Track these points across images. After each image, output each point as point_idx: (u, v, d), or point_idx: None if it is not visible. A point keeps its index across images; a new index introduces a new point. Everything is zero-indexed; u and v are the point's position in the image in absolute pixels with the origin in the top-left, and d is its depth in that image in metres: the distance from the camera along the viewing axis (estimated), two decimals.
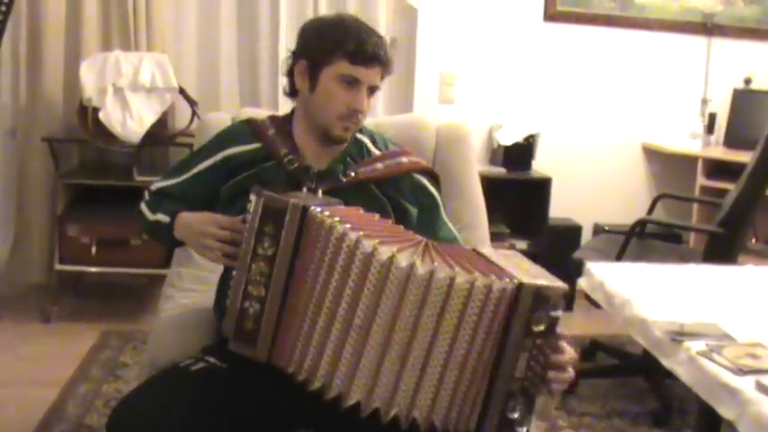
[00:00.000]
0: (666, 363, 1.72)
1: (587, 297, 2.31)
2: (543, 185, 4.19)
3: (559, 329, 1.48)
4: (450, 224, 1.98)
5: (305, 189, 1.81)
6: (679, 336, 1.69)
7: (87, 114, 3.58)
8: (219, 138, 1.99)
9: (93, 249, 3.63)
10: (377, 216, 1.67)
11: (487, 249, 1.66)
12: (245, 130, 1.95)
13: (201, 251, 1.74)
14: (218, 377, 1.65)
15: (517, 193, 4.32)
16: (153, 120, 3.62)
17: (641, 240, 3.46)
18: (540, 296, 1.42)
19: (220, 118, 2.51)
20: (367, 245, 1.46)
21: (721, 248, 3.06)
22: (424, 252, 1.50)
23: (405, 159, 1.94)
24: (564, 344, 1.53)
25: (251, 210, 1.55)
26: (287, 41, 4.00)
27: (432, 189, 1.96)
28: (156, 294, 2.72)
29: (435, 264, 1.45)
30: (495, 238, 3.48)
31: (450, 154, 2.43)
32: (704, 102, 4.52)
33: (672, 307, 1.89)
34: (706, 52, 4.51)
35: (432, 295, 1.44)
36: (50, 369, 3.18)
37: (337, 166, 1.87)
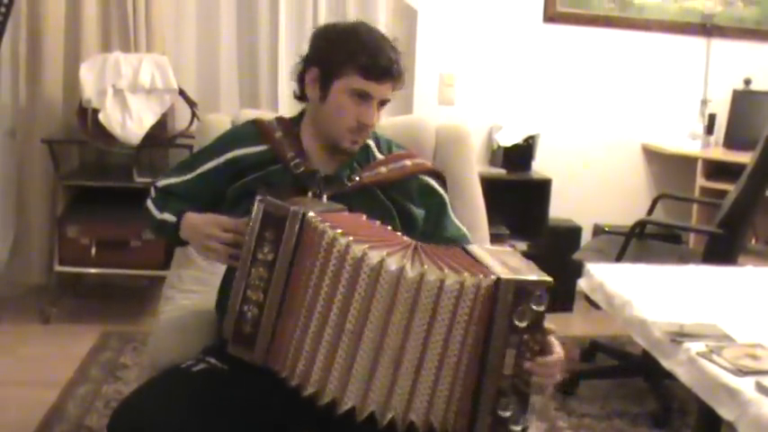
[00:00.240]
0: (666, 363, 1.72)
1: (587, 298, 2.32)
2: (543, 186, 4.19)
3: (547, 324, 1.48)
4: (458, 222, 1.97)
5: (310, 194, 1.81)
6: (679, 337, 1.69)
7: (87, 115, 3.57)
8: (226, 138, 1.99)
9: (93, 250, 3.63)
10: (377, 222, 1.67)
11: (475, 247, 1.66)
12: (251, 131, 1.95)
13: (205, 252, 1.75)
14: (219, 378, 1.65)
15: (517, 194, 4.31)
16: (152, 121, 3.62)
17: (641, 241, 3.46)
18: (520, 291, 1.42)
19: (220, 119, 2.51)
20: (357, 250, 1.46)
21: (721, 249, 3.06)
22: (414, 255, 1.51)
23: (408, 162, 1.95)
24: (552, 340, 1.53)
25: (252, 215, 1.55)
26: (287, 43, 4.00)
27: (439, 189, 1.97)
28: (156, 296, 2.72)
29: (425, 266, 1.45)
30: (495, 239, 3.48)
31: (450, 155, 2.43)
32: (704, 102, 4.52)
33: (672, 308, 1.89)
34: (705, 53, 4.51)
35: (422, 297, 1.44)
36: (50, 370, 3.18)
37: (343, 170, 1.87)
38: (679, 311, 1.86)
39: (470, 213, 2.38)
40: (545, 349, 1.51)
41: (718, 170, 4.19)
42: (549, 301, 1.43)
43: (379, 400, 1.46)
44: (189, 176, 1.94)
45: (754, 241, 4.32)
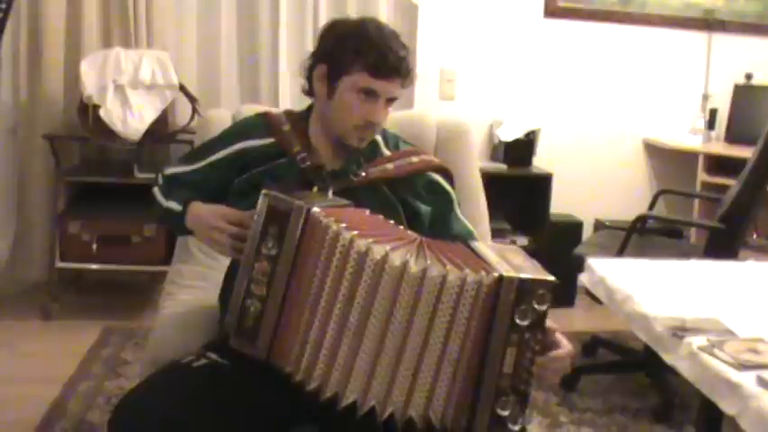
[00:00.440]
0: (668, 358, 1.72)
1: (588, 293, 2.31)
2: (544, 181, 4.19)
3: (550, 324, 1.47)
4: (464, 220, 1.97)
5: (315, 188, 1.81)
6: (680, 331, 1.69)
7: (88, 112, 3.57)
8: (235, 129, 2.00)
9: (94, 247, 3.63)
10: (381, 217, 1.68)
11: (479, 243, 1.66)
12: (260, 123, 1.95)
13: (209, 244, 1.75)
14: (220, 374, 1.65)
15: (518, 189, 4.31)
16: (153, 117, 3.62)
17: (642, 236, 3.46)
18: (522, 289, 1.42)
19: (221, 115, 2.51)
20: (361, 244, 1.46)
21: (722, 244, 3.06)
22: (418, 250, 1.51)
23: (415, 159, 1.94)
24: (558, 335, 1.53)
25: (257, 208, 1.55)
26: (287, 38, 4.00)
27: (445, 185, 1.96)
28: (158, 291, 2.72)
29: (428, 261, 1.46)
30: (496, 234, 3.48)
31: (451, 150, 2.43)
32: (705, 97, 4.52)
33: (673, 302, 1.89)
34: (707, 48, 4.50)
35: (425, 293, 1.44)
36: (52, 366, 3.18)
37: (350, 166, 1.87)
38: (680, 306, 1.86)
39: (471, 208, 2.38)
40: (547, 349, 1.51)
41: (719, 165, 4.19)
42: (551, 300, 1.43)
43: (380, 394, 1.46)
44: (197, 166, 1.94)
45: (755, 236, 4.32)
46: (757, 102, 4.41)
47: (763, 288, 2.12)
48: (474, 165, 2.50)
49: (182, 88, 3.71)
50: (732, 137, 4.42)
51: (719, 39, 4.49)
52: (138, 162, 3.73)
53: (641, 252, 3.18)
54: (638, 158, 4.60)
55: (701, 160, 4.24)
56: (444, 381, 1.46)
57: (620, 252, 3.08)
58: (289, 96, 3.98)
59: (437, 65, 4.29)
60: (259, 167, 1.86)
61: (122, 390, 2.89)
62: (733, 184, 3.19)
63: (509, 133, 4.23)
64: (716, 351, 1.58)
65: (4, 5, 3.19)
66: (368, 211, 1.68)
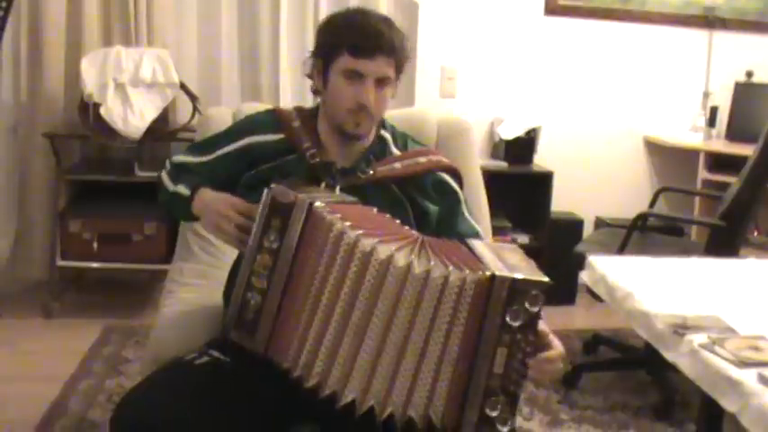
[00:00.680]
0: (668, 356, 1.71)
1: (589, 290, 2.31)
2: (545, 179, 4.19)
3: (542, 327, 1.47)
4: (471, 221, 1.97)
5: (323, 185, 1.81)
6: (681, 329, 1.69)
7: (88, 110, 3.57)
8: (244, 124, 2.01)
9: (95, 245, 3.64)
10: (387, 215, 1.68)
11: (477, 242, 1.66)
12: (269, 119, 1.96)
13: (214, 231, 1.75)
14: (222, 371, 1.65)
15: (519, 187, 4.31)
16: (154, 115, 3.62)
17: (643, 234, 3.46)
18: (515, 289, 1.42)
19: (221, 113, 2.51)
20: (366, 244, 1.47)
21: (723, 241, 3.06)
22: (421, 250, 1.51)
23: (423, 159, 1.94)
24: (551, 337, 1.54)
25: (261, 201, 1.55)
26: (288, 36, 4.00)
27: (453, 185, 1.96)
28: (158, 289, 2.72)
29: (431, 262, 1.46)
30: (497, 232, 3.49)
31: (452, 148, 2.43)
32: (706, 95, 4.52)
33: (674, 300, 1.89)
34: (707, 45, 4.50)
35: (428, 294, 1.44)
36: (52, 365, 3.18)
37: (359, 164, 1.87)
38: (681, 303, 1.85)
39: (472, 207, 2.37)
40: (539, 351, 1.51)
41: (719, 162, 4.19)
42: (544, 301, 1.42)
43: (380, 394, 1.46)
44: (207, 158, 1.94)
45: (756, 233, 4.32)
46: (758, 99, 4.40)
47: (764, 286, 2.12)
48: (475, 163, 2.50)
49: (182, 86, 3.71)
50: (733, 134, 4.42)
51: (720, 36, 4.49)
52: (139, 160, 3.73)
53: (642, 250, 3.18)
54: (639, 156, 4.60)
55: (701, 158, 4.24)
56: (444, 381, 1.46)
57: (621, 250, 3.08)
58: (290, 94, 3.98)
59: (438, 63, 4.29)
60: (268, 163, 1.86)
61: (123, 388, 2.89)
62: (734, 181, 3.19)
63: (510, 131, 4.23)
64: (717, 348, 1.58)
65: (4, 4, 3.19)
66: (375, 209, 1.68)
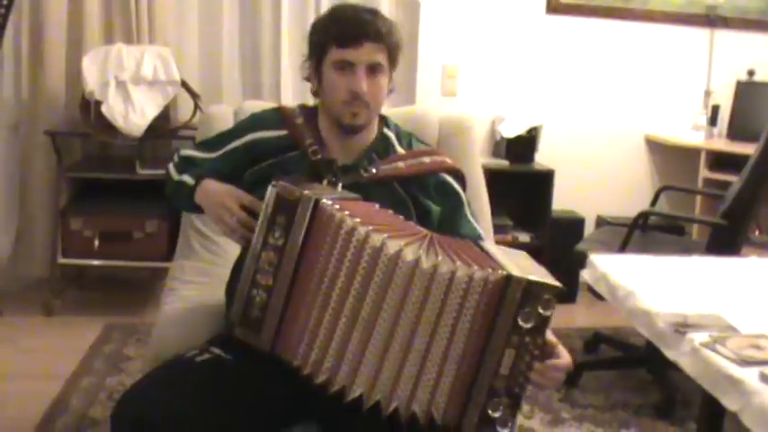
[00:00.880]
0: (670, 354, 1.71)
1: (590, 289, 2.32)
2: (546, 178, 4.19)
3: (550, 335, 1.46)
4: (474, 223, 1.96)
5: (325, 182, 1.81)
6: (682, 327, 1.69)
7: (90, 108, 3.57)
8: (249, 121, 2.01)
9: (96, 243, 3.64)
10: (390, 211, 1.68)
11: (489, 244, 1.66)
12: (274, 116, 1.97)
13: (216, 222, 1.76)
14: (223, 368, 1.65)
15: (520, 185, 4.31)
16: (155, 113, 3.62)
17: (644, 232, 3.46)
18: (529, 291, 1.42)
19: (223, 111, 2.51)
20: (376, 239, 1.46)
21: (724, 240, 3.06)
22: (429, 246, 1.51)
23: (427, 159, 1.94)
24: (560, 347, 1.54)
25: (266, 198, 1.55)
26: (289, 34, 4.00)
27: (456, 187, 1.96)
28: (160, 287, 2.72)
29: (439, 258, 1.46)
30: (498, 230, 3.48)
31: (453, 146, 2.43)
32: (707, 94, 4.52)
33: (675, 298, 1.89)
34: (709, 44, 4.49)
35: (435, 288, 1.44)
36: (54, 363, 3.18)
37: (362, 161, 1.87)
38: (682, 302, 1.85)
39: (473, 205, 2.38)
40: (546, 358, 1.51)
41: (721, 161, 4.18)
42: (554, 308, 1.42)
43: (386, 389, 1.47)
44: (214, 155, 1.95)
45: (757, 232, 4.31)
46: (759, 98, 4.40)
47: (766, 284, 2.12)
48: (476, 161, 2.50)
49: (183, 84, 3.71)
50: (734, 133, 4.41)
51: (722, 35, 4.49)
52: (140, 158, 3.73)
53: (643, 248, 3.18)
54: (640, 155, 4.60)
55: (703, 157, 4.23)
56: (448, 377, 1.46)
57: (623, 248, 3.08)
58: (291, 92, 3.98)
59: (439, 61, 4.29)
60: (270, 159, 1.87)
61: (124, 386, 2.89)
62: (735, 180, 3.18)
63: (511, 129, 4.23)
64: (718, 347, 1.58)
65: (5, 2, 3.19)
66: (377, 205, 1.68)
